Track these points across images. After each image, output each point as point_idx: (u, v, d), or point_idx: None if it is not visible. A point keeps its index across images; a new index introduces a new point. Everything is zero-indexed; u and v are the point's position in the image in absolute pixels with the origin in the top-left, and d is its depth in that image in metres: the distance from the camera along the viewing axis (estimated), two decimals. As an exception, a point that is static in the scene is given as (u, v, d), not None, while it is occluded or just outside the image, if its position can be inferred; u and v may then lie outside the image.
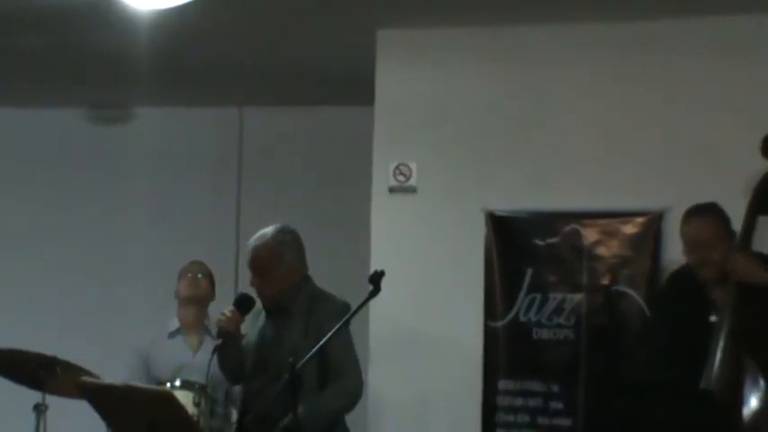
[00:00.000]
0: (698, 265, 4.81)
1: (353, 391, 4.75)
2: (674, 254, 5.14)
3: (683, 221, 4.91)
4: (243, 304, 4.89)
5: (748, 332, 4.55)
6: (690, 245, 4.83)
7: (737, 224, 4.76)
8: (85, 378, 4.85)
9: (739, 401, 4.49)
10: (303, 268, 4.94)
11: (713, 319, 4.68)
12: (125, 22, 5.70)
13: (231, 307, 4.90)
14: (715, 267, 4.73)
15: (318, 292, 4.90)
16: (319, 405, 4.59)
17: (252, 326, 4.99)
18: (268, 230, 4.93)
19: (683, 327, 4.77)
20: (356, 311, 4.48)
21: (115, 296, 7.45)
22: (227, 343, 4.87)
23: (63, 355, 5.32)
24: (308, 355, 4.35)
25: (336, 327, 4.43)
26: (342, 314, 4.61)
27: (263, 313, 4.96)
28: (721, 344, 4.55)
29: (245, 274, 5.05)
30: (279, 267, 4.86)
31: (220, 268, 6.18)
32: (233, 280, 7.03)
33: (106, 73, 6.84)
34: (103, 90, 7.37)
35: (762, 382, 4.45)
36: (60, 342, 5.51)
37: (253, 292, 4.93)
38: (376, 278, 4.39)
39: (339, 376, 4.67)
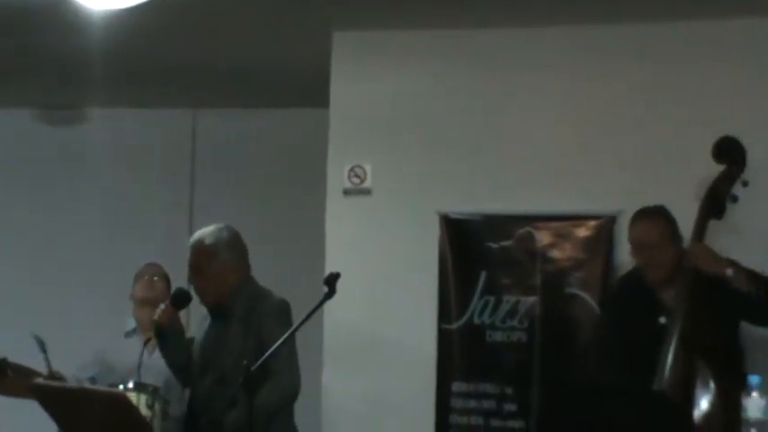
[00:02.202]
0: (645, 267, 4.85)
1: (290, 388, 4.71)
2: (627, 257, 5.18)
3: (630, 224, 4.97)
4: (178, 299, 4.91)
5: (699, 333, 4.58)
6: (637, 247, 4.87)
7: (687, 228, 4.80)
8: (38, 380, 4.81)
9: (690, 403, 4.52)
10: (243, 269, 4.92)
11: (662, 321, 4.71)
12: (78, 22, 5.66)
13: (167, 302, 4.92)
14: (662, 269, 4.77)
15: (257, 292, 4.89)
16: (256, 403, 4.55)
17: (200, 329, 4.99)
18: (207, 229, 4.95)
19: (632, 329, 4.80)
20: (311, 313, 4.45)
21: (68, 297, 7.39)
22: (161, 335, 4.88)
23: (14, 356, 5.28)
24: (261, 360, 4.32)
25: (291, 330, 4.41)
26: (280, 311, 4.64)
27: (209, 316, 4.96)
28: (672, 346, 4.59)
29: (198, 276, 5.05)
30: (213, 265, 4.85)
31: (173, 269, 6.14)
32: (186, 281, 6.98)
33: (59, 74, 6.80)
34: (56, 91, 7.32)
35: (712, 384, 4.48)
36: (12, 343, 5.45)
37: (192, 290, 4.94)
38: (331, 280, 4.38)
39: (276, 373, 4.62)
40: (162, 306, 4.94)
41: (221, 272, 4.86)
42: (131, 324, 5.88)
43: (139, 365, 4.90)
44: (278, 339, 4.40)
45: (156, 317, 4.93)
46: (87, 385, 4.93)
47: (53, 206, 7.64)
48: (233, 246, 4.91)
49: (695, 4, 5.43)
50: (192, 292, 4.98)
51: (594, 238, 5.64)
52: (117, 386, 5.04)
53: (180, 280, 6.25)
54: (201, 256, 4.89)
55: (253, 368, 4.20)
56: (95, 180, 7.62)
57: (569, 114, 5.75)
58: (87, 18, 5.57)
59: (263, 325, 4.62)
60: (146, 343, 5.00)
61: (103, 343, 5.85)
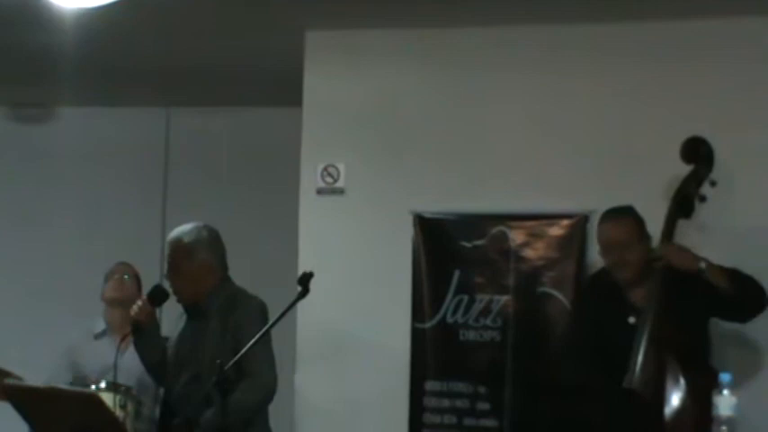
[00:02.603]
0: (614, 267, 4.86)
1: (266, 388, 4.71)
2: (599, 256, 5.18)
3: (598, 225, 5.00)
4: (155, 296, 4.89)
5: (669, 331, 4.60)
6: (605, 247, 4.89)
7: (658, 227, 4.82)
8: (10, 380, 4.78)
9: (662, 400, 4.54)
10: (220, 269, 4.91)
11: (632, 320, 4.73)
12: (50, 20, 5.63)
13: (143, 298, 4.88)
14: (631, 269, 4.79)
15: (235, 292, 4.88)
16: (231, 403, 4.55)
17: (175, 328, 4.97)
18: (186, 227, 4.94)
19: (602, 329, 4.82)
20: (285, 313, 4.46)
21: (39, 297, 7.35)
22: (139, 332, 4.85)
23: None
24: (235, 359, 4.33)
25: (261, 332, 4.41)
26: (259, 313, 4.63)
27: (185, 315, 4.95)
28: (642, 344, 4.60)
29: (170, 275, 5.04)
30: (190, 264, 4.85)
31: (146, 269, 6.13)
32: (158, 280, 6.95)
33: (31, 72, 6.76)
34: (28, 89, 7.28)
35: (682, 381, 4.50)
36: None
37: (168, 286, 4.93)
38: (305, 279, 4.39)
39: (252, 373, 4.63)
40: (139, 303, 4.91)
41: (199, 271, 4.84)
42: (101, 325, 5.85)
43: (115, 365, 4.88)
44: (256, 341, 4.41)
45: (132, 314, 4.90)
46: (58, 386, 4.89)
47: (23, 205, 7.59)
48: (212, 245, 4.90)
49: (664, 5, 5.45)
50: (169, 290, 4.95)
51: (567, 237, 5.65)
52: (89, 386, 5.04)
53: (151, 279, 6.23)
54: (179, 254, 4.87)
55: (226, 367, 4.20)
56: (67, 179, 7.58)
57: (542, 114, 5.76)
58: (59, 16, 5.54)
59: (240, 325, 4.61)
60: (123, 339, 4.96)
61: (74, 345, 5.83)
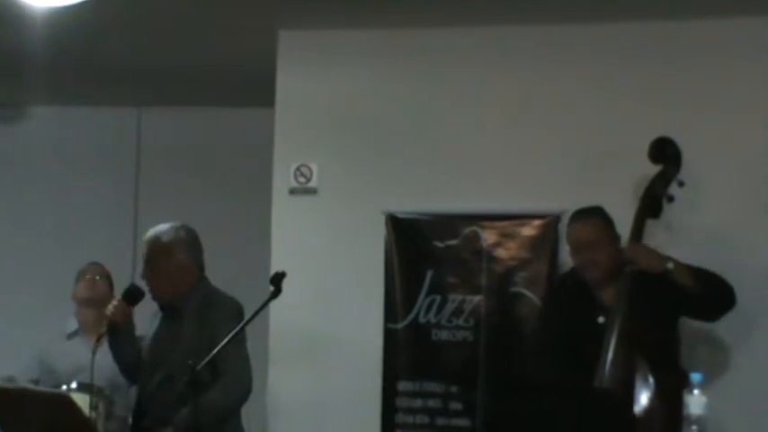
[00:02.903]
0: (583, 267, 4.87)
1: (242, 389, 4.71)
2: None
3: (567, 225, 5.02)
4: (131, 295, 4.87)
5: (638, 331, 4.62)
6: (575, 247, 4.91)
7: (627, 227, 4.84)
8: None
9: (631, 400, 4.56)
10: (197, 268, 4.91)
11: (601, 320, 4.74)
12: (21, 19, 5.61)
13: (119, 297, 4.87)
14: (600, 269, 4.80)
15: (212, 293, 4.88)
16: (208, 403, 4.55)
17: (150, 326, 4.96)
18: (163, 226, 4.93)
19: (572, 328, 4.84)
20: (257, 313, 4.46)
21: (10, 297, 7.30)
22: (114, 333, 4.83)
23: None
24: (207, 358, 4.32)
25: (235, 330, 4.41)
26: (235, 314, 4.62)
27: (160, 314, 4.93)
28: (612, 344, 4.61)
29: (143, 275, 5.02)
30: (169, 264, 4.84)
31: (117, 269, 6.12)
32: (130, 281, 6.93)
33: (1, 71, 6.72)
34: (-1, 88, 7.25)
35: (651, 380, 4.52)
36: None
37: (144, 286, 4.91)
38: (277, 279, 4.39)
39: (226, 374, 4.63)
40: (115, 303, 4.89)
41: (176, 270, 4.84)
42: (73, 325, 5.84)
43: (92, 365, 4.86)
44: (231, 341, 4.41)
45: (108, 314, 4.87)
46: (29, 386, 4.87)
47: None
48: (190, 245, 4.90)
49: (634, 6, 5.47)
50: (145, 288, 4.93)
51: (540, 237, 5.66)
52: (60, 387, 5.02)
53: (123, 279, 6.23)
54: (157, 253, 4.86)
55: (198, 367, 4.19)
56: (37, 178, 7.54)
57: (515, 115, 5.77)
58: (30, 15, 5.52)
59: (216, 326, 4.59)
60: (99, 339, 4.93)
61: (46, 345, 5.81)
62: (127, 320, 4.90)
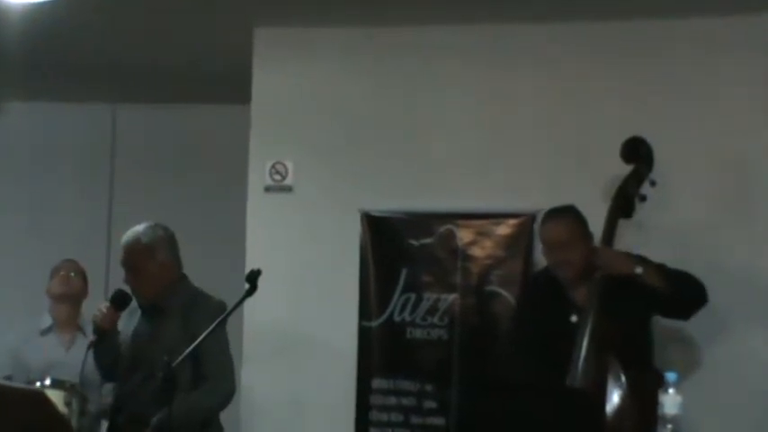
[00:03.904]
0: (556, 266, 4.88)
1: (225, 392, 4.74)
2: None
3: (540, 224, 5.02)
4: (119, 301, 4.86)
5: (610, 330, 4.63)
6: (548, 246, 4.91)
7: (600, 226, 4.85)
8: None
9: (603, 399, 4.57)
10: (178, 266, 4.90)
11: (574, 319, 4.75)
12: (-5, 15, 5.60)
13: (107, 303, 4.85)
14: (573, 268, 4.80)
15: (195, 292, 4.87)
16: (190, 404, 4.56)
17: (127, 324, 4.94)
18: (140, 227, 4.90)
19: (544, 327, 4.84)
20: (232, 310, 4.46)
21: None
22: (103, 339, 4.82)
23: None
24: (183, 354, 4.32)
25: (211, 327, 4.40)
26: (218, 314, 4.58)
27: (139, 311, 4.91)
28: (585, 343, 4.62)
29: (116, 272, 5.02)
30: (151, 265, 4.82)
31: (91, 266, 6.10)
32: (104, 277, 6.92)
33: (-25, 67, 6.70)
34: (-28, 84, 7.21)
35: (623, 379, 4.52)
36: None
37: (129, 289, 4.88)
38: (253, 277, 4.38)
39: (211, 376, 4.65)
40: (103, 310, 4.85)
41: (160, 270, 4.83)
42: (47, 321, 5.82)
43: (84, 363, 4.84)
44: (212, 341, 4.41)
45: (97, 321, 4.84)
46: (3, 382, 4.84)
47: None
48: (169, 244, 4.89)
49: (605, 4, 5.49)
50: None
51: (515, 236, 5.67)
52: (34, 383, 4.99)
53: (97, 277, 6.22)
54: (140, 256, 4.84)
55: (174, 363, 4.18)
56: (10, 175, 7.50)
57: (490, 113, 5.78)
58: (4, 11, 5.50)
59: (199, 326, 4.55)
60: (90, 346, 4.90)
61: (18, 341, 5.79)
62: (114, 326, 4.89)
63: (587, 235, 4.88)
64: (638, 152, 4.95)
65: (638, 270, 4.65)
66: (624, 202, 4.90)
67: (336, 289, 5.85)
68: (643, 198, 4.92)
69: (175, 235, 4.94)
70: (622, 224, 4.90)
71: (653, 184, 4.92)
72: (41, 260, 6.04)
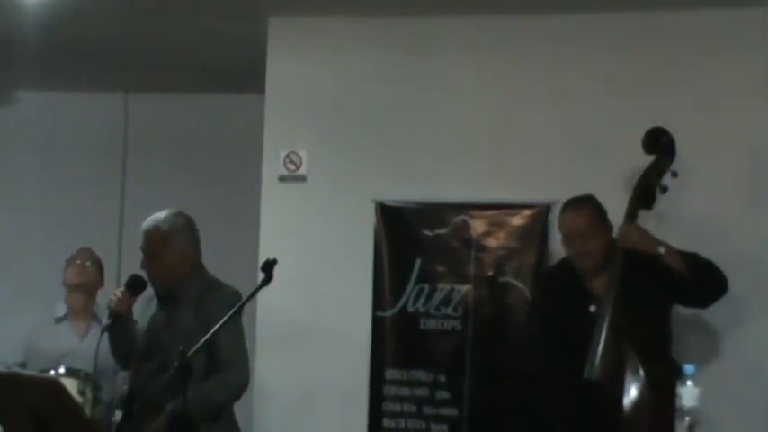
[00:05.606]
0: (575, 257, 4.88)
1: (239, 383, 4.72)
2: (560, 246, 5.20)
3: (559, 215, 5.01)
4: (134, 286, 4.85)
5: (629, 322, 4.63)
6: (566, 236, 4.91)
7: (619, 218, 4.84)
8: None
9: (621, 391, 4.56)
10: (196, 255, 4.88)
11: (592, 309, 4.74)
12: (9, 4, 5.59)
13: (122, 288, 4.85)
14: (593, 258, 4.80)
15: (211, 281, 4.86)
16: (204, 394, 4.55)
17: (144, 312, 4.93)
18: (161, 214, 4.88)
19: (562, 318, 4.84)
20: (247, 300, 4.45)
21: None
22: (117, 323, 4.81)
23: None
24: (199, 344, 4.31)
25: (227, 316, 4.39)
26: (233, 303, 4.56)
27: (156, 300, 4.91)
28: (603, 334, 4.62)
29: (129, 261, 5.03)
30: (169, 252, 4.80)
31: (104, 254, 6.10)
32: (116, 266, 6.94)
33: (-11, 55, 6.70)
34: (-15, 73, 7.21)
35: (641, 371, 4.52)
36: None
37: (145, 275, 4.88)
38: (268, 267, 4.36)
39: (226, 366, 4.64)
40: (118, 294, 4.85)
41: (176, 258, 4.80)
42: (62, 310, 5.83)
43: (97, 350, 4.85)
44: (227, 330, 4.41)
45: (111, 305, 4.84)
46: (18, 370, 4.86)
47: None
48: (188, 233, 4.87)
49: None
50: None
51: (529, 226, 5.66)
52: (48, 371, 5.01)
53: (109, 264, 6.23)
54: (158, 243, 4.82)
55: (189, 353, 4.18)
56: (24, 164, 7.50)
57: (505, 104, 5.77)
58: (18, 1, 5.50)
59: (213, 315, 4.54)
60: (104, 330, 4.90)
61: (33, 329, 5.80)
62: (129, 311, 4.88)
63: (606, 225, 4.87)
64: (659, 143, 4.92)
65: (661, 250, 4.64)
66: (645, 194, 4.88)
67: (350, 279, 5.84)
68: (664, 189, 4.89)
69: (195, 223, 4.92)
70: (642, 215, 4.88)
71: (674, 175, 4.89)
72: (54, 248, 6.04)
